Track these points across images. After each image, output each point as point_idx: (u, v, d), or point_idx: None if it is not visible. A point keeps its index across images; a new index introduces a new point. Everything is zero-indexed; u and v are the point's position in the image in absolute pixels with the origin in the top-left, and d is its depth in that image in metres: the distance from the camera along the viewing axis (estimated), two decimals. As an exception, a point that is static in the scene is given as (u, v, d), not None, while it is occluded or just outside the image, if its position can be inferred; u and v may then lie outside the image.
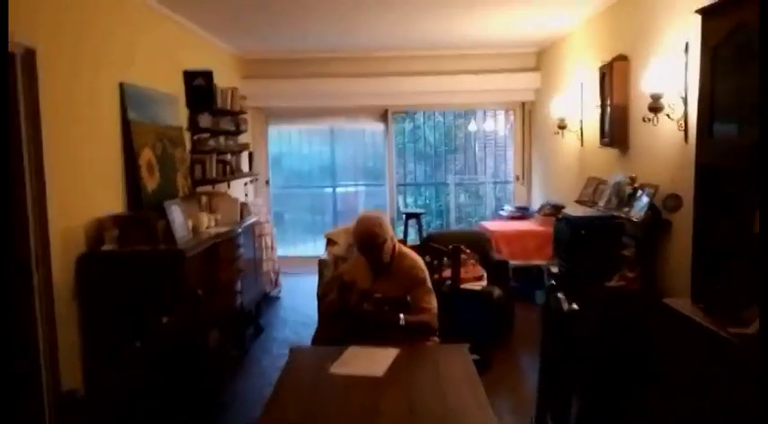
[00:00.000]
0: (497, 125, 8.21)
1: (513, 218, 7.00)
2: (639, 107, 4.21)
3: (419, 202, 8.69)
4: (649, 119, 3.81)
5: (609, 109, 4.70)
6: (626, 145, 4.60)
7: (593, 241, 4.05)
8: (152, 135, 4.47)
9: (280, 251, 7.22)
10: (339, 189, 8.66)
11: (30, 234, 3.23)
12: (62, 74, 3.44)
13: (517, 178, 7.92)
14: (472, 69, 7.19)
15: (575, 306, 2.06)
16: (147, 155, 4.32)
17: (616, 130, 4.64)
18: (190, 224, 4.10)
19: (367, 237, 3.05)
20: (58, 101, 3.38)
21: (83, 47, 3.68)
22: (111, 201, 3.95)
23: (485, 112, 8.09)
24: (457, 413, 2.07)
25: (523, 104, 7.70)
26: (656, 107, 3.72)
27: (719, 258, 2.68)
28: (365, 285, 3.11)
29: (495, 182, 8.30)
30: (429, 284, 3.17)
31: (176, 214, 3.92)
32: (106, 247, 3.64)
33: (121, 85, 4.11)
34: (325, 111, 7.78)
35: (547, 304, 2.34)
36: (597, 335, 2.45)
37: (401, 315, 2.92)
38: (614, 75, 4.55)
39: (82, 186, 3.64)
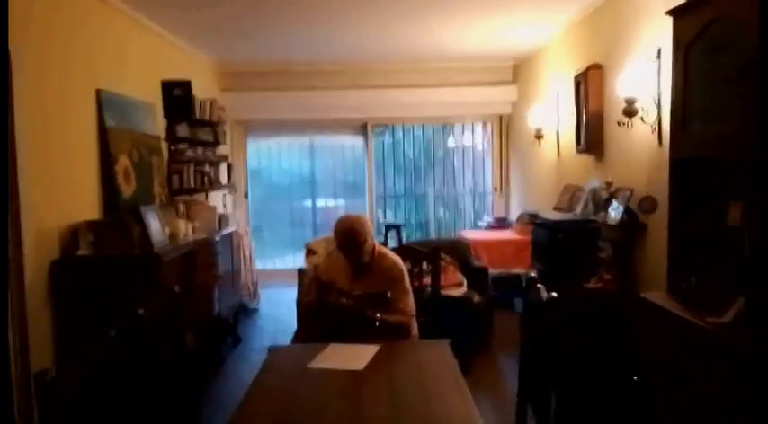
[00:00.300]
0: (475, 138, 8.29)
1: (492, 228, 7.05)
2: (614, 113, 4.29)
3: (398, 215, 8.70)
4: (624, 123, 3.88)
5: (584, 116, 4.78)
6: (601, 152, 4.68)
7: (571, 244, 4.10)
8: (129, 142, 4.44)
9: (259, 265, 7.18)
10: (319, 203, 8.63)
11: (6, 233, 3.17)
12: (36, 78, 3.41)
13: (495, 189, 7.99)
14: (450, 82, 7.28)
15: (554, 294, 2.07)
16: (123, 162, 4.28)
17: (591, 137, 4.71)
18: (167, 230, 4.06)
19: (348, 235, 3.04)
20: (33, 105, 3.34)
21: (59, 52, 3.65)
22: (87, 207, 3.90)
23: (463, 126, 8.17)
24: (439, 405, 2.05)
25: (501, 117, 7.80)
26: (630, 111, 3.79)
27: (694, 250, 2.72)
28: (344, 284, 3.10)
29: (473, 194, 8.36)
30: (407, 285, 3.17)
31: (153, 219, 3.88)
32: (81, 252, 3.58)
33: (98, 92, 4.08)
34: (305, 124, 7.79)
35: (526, 296, 2.34)
36: (576, 325, 2.47)
37: (377, 315, 2.91)
38: (589, 83, 4.64)
39: (57, 191, 3.59)
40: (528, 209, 6.59)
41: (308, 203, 8.66)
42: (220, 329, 4.91)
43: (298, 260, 6.21)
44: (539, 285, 2.20)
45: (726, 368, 2.18)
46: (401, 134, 8.70)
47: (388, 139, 8.74)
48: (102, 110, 4.08)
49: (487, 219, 7.38)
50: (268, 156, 8.56)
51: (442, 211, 8.60)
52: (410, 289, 3.18)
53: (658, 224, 3.78)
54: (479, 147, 8.29)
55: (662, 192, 3.68)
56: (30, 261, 3.31)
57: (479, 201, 8.37)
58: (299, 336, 3.20)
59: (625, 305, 2.94)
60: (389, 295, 2.89)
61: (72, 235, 3.65)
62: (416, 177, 8.69)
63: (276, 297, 6.74)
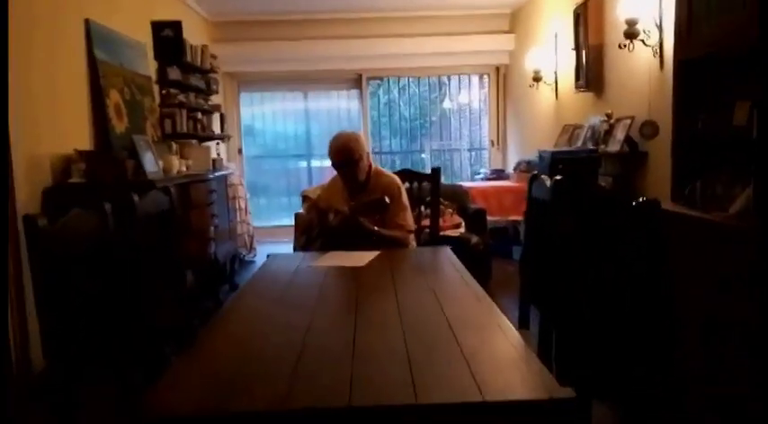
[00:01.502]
0: (471, 95, 8.19)
1: (488, 180, 6.98)
2: (615, 42, 4.21)
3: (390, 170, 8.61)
4: (625, 46, 3.80)
5: (584, 50, 4.70)
6: (601, 86, 4.61)
7: (572, 174, 4.03)
8: (120, 78, 4.34)
9: (255, 223, 7.11)
10: (314, 163, 8.55)
11: (-8, 158, 3.09)
12: (24, 2, 3.30)
13: (492, 143, 7.91)
14: (447, 31, 7.15)
15: (558, 177, 2.02)
16: (115, 97, 4.19)
17: (591, 72, 4.64)
18: (160, 164, 3.98)
19: (342, 152, 2.96)
20: (20, 31, 3.23)
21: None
22: (79, 139, 3.81)
23: (459, 78, 8.07)
24: (447, 296, 1.99)
25: (497, 68, 7.69)
26: (631, 32, 3.71)
27: (699, 155, 2.67)
28: (341, 206, 3.04)
29: (470, 150, 8.29)
30: (405, 201, 3.10)
31: (145, 150, 3.80)
32: (73, 180, 3.51)
33: (87, 22, 3.97)
34: (299, 77, 7.66)
35: (529, 191, 2.28)
36: (580, 232, 2.40)
37: (375, 228, 2.85)
38: (589, 14, 4.55)
39: (47, 120, 3.50)
40: (525, 158, 6.53)
41: (304, 164, 8.58)
42: (217, 273, 4.86)
43: (293, 220, 6.15)
44: (543, 176, 2.14)
45: (738, 254, 2.13)
46: (396, 93, 8.60)
47: (383, 97, 8.64)
48: (92, 42, 3.97)
49: (484, 171, 7.32)
50: (262, 118, 8.45)
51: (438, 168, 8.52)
52: (408, 206, 3.13)
53: (659, 151, 3.73)
54: (475, 103, 8.20)
55: (663, 118, 3.64)
56: (22, 188, 3.24)
57: (476, 156, 8.31)
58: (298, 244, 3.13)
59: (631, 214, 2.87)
60: (387, 200, 2.80)
61: (64, 164, 3.58)
62: (413, 135, 8.61)
63: (273, 252, 6.67)
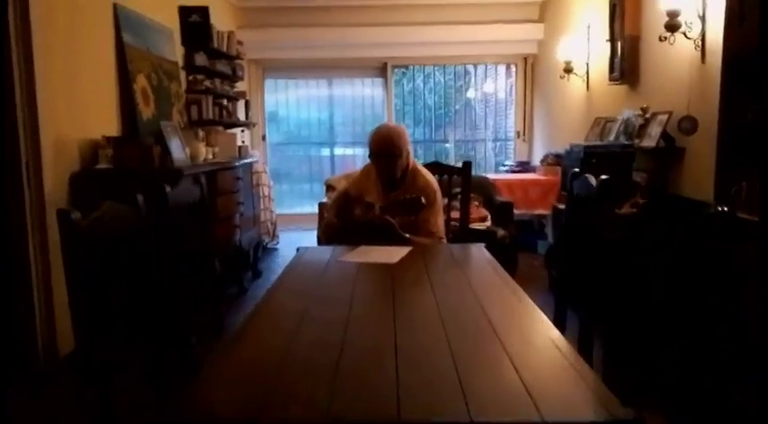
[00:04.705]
0: (497, 85, 8.06)
1: (514, 172, 6.88)
2: (652, 34, 4.09)
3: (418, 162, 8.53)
4: (665, 38, 3.67)
5: (620, 41, 4.57)
6: (636, 78, 4.48)
7: (604, 169, 3.93)
8: (147, 63, 4.31)
9: (278, 211, 7.09)
10: (337, 151, 8.49)
11: (20, 142, 3.08)
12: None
13: (518, 134, 7.79)
14: (474, 20, 7.02)
15: (604, 177, 1.93)
16: (142, 82, 4.16)
17: (627, 63, 4.51)
18: (187, 150, 3.95)
19: (384, 144, 2.83)
20: (48, 16, 3.21)
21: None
22: (106, 124, 3.80)
23: (486, 68, 7.94)
24: (486, 295, 1.93)
25: (525, 58, 7.55)
26: (672, 24, 3.58)
27: (745, 155, 2.57)
28: (373, 199, 2.97)
29: (495, 140, 8.17)
30: (440, 206, 2.97)
31: (173, 136, 3.77)
32: (100, 166, 3.49)
33: (115, 6, 3.94)
34: (324, 64, 7.59)
35: (571, 188, 2.20)
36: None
37: (407, 235, 2.73)
38: (626, 5, 4.41)
39: (75, 104, 3.49)
40: (553, 151, 6.40)
41: (327, 151, 8.52)
42: (242, 260, 4.84)
43: (316, 208, 6.11)
44: (587, 175, 2.06)
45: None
46: (421, 81, 8.50)
47: (407, 86, 8.54)
48: (120, 26, 3.94)
49: (509, 163, 7.21)
50: (286, 104, 8.40)
51: (462, 158, 8.42)
52: (442, 211, 3.01)
53: (697, 146, 3.62)
54: (501, 94, 8.07)
55: (703, 113, 3.52)
56: (49, 173, 3.23)
57: (501, 147, 8.19)
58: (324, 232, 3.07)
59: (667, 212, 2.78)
60: (423, 201, 2.65)
61: (92, 149, 3.56)
62: (437, 124, 8.52)
63: (296, 239, 6.63)
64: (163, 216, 1.85)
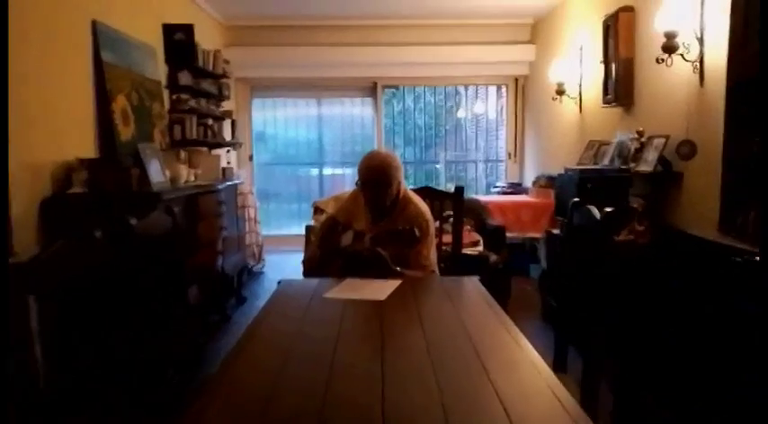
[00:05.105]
0: (488, 105, 7.98)
1: (505, 193, 6.76)
2: (647, 56, 4.01)
3: (408, 184, 8.39)
4: (662, 60, 3.58)
5: (613, 64, 4.48)
6: (631, 101, 4.38)
7: (600, 194, 3.81)
8: (128, 82, 4.16)
9: (264, 232, 6.93)
10: (326, 171, 8.35)
11: (-14, 166, 2.90)
12: (29, 2, 3.13)
13: (509, 155, 7.69)
14: (465, 40, 6.95)
15: (609, 209, 1.80)
16: (121, 102, 4.00)
17: (621, 86, 4.41)
18: (167, 173, 3.79)
19: (375, 172, 2.65)
20: (21, 31, 3.05)
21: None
22: (82, 146, 3.62)
23: (477, 89, 7.86)
24: (481, 333, 1.78)
25: (516, 79, 7.48)
26: (670, 46, 3.48)
27: (749, 184, 2.44)
28: (361, 227, 2.82)
29: (486, 161, 8.07)
30: (432, 237, 2.79)
31: (152, 158, 3.60)
32: (74, 190, 3.32)
33: (94, 24, 3.79)
34: (313, 83, 7.47)
35: (570, 220, 2.07)
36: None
37: (398, 268, 2.55)
38: (619, 26, 4.33)
39: (48, 125, 3.31)
40: (545, 173, 6.29)
41: (315, 171, 8.38)
42: (225, 286, 4.65)
43: (303, 229, 5.95)
44: (589, 206, 1.92)
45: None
46: (411, 102, 8.41)
47: (397, 106, 8.44)
48: (99, 43, 3.79)
49: (501, 185, 7.09)
50: (274, 124, 8.27)
51: (453, 179, 8.32)
52: (434, 242, 2.84)
53: (695, 171, 3.51)
54: (492, 115, 7.99)
55: (701, 137, 3.42)
56: (18, 199, 3.05)
57: (492, 169, 8.09)
58: (308, 265, 2.89)
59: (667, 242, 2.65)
60: (418, 234, 2.50)
61: (65, 173, 3.39)
62: (427, 145, 8.41)
63: (282, 262, 6.48)
64: (126, 250, 1.69)
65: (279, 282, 2.43)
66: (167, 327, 2.27)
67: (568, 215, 2.10)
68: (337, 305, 2.02)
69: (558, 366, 2.18)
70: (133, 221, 1.72)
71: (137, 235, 1.76)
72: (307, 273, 2.89)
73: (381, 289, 2.19)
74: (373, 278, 2.40)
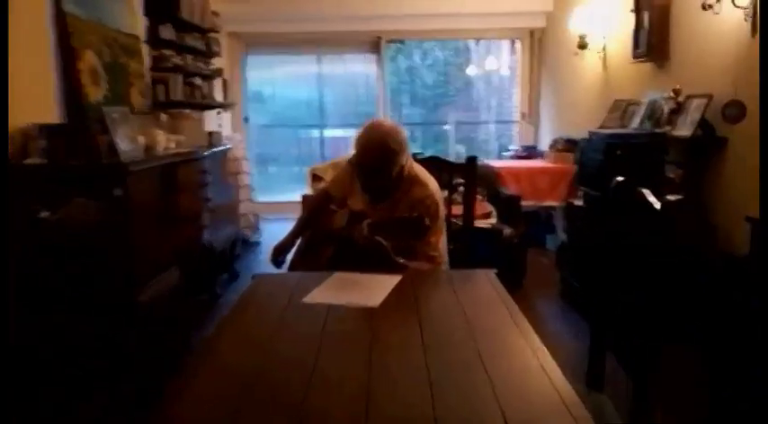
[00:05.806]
0: (501, 62, 7.42)
1: (518, 158, 6.29)
2: (688, 2, 3.50)
3: (415, 146, 7.93)
4: (710, 6, 3.07)
5: (647, 12, 3.96)
6: (666, 55, 3.88)
7: (632, 161, 3.34)
8: (97, 36, 3.69)
9: (261, 198, 6.52)
10: (327, 133, 7.90)
11: None
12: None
13: (523, 116, 7.17)
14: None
15: (672, 198, 1.37)
16: (89, 59, 3.55)
17: (655, 38, 3.90)
18: (141, 140, 3.35)
19: (373, 156, 2.17)
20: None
21: None
22: (42, 109, 3.19)
23: (489, 44, 7.30)
24: (492, 340, 1.38)
25: (532, 32, 6.90)
26: (720, -12, 2.98)
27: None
28: (358, 206, 2.39)
29: (497, 122, 7.57)
30: (441, 223, 2.35)
31: (121, 124, 3.17)
32: (30, 161, 2.90)
33: (54, -32, 3.31)
34: (312, 38, 6.92)
35: (613, 202, 1.64)
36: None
37: (401, 260, 2.14)
38: (655, -32, 3.80)
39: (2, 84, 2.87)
40: (564, 135, 5.80)
41: (316, 133, 7.93)
42: (213, 262, 4.27)
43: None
44: (643, 189, 1.49)
45: None
46: (418, 58, 7.88)
47: (403, 62, 7.92)
48: (58, -10, 3.32)
49: (514, 148, 6.61)
50: (272, 83, 7.79)
51: (462, 141, 7.84)
52: (444, 228, 2.40)
53: (744, 137, 3.06)
54: (504, 71, 7.44)
55: (753, 97, 2.94)
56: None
57: (504, 130, 7.59)
58: (297, 262, 2.47)
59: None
60: (427, 223, 2.07)
61: (21, 141, 2.97)
62: (435, 104, 7.91)
63: (280, 231, 6.06)
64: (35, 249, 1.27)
65: (253, 276, 2.02)
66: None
67: (609, 195, 1.66)
68: (318, 317, 1.59)
69: (594, 382, 1.78)
70: (45, 214, 1.30)
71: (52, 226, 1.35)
72: (291, 264, 2.46)
73: (375, 289, 1.77)
74: (369, 272, 1.98)
